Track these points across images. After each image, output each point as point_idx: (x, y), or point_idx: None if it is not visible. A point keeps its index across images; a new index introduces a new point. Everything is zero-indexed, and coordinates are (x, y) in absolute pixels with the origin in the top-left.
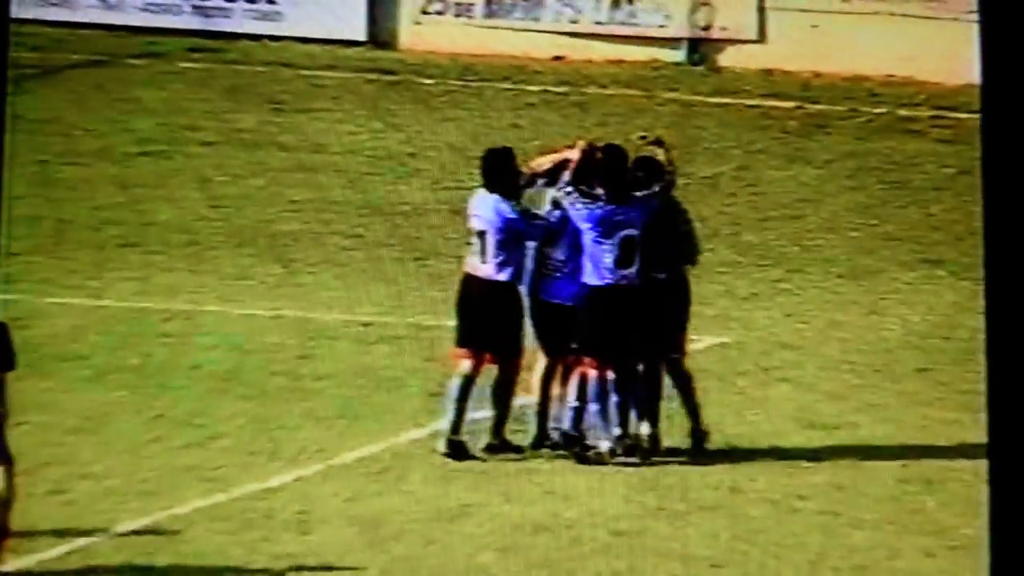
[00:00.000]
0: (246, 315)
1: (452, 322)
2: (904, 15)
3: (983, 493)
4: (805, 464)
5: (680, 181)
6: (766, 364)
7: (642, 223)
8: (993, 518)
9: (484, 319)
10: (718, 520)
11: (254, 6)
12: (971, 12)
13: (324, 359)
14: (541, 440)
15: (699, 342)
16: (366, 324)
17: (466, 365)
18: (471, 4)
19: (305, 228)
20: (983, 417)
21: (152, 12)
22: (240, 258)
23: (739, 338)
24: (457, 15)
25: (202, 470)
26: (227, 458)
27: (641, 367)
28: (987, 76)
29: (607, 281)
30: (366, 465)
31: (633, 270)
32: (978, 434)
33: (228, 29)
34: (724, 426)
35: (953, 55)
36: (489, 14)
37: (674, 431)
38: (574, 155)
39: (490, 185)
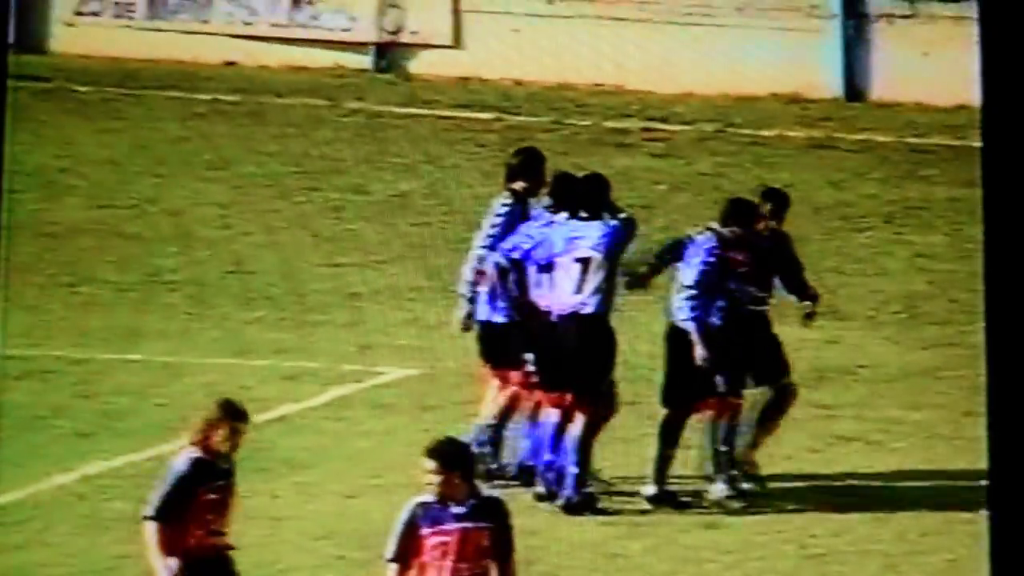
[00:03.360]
0: None
1: (107, 355)
2: (614, 18)
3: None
4: None
5: (364, 200)
6: (458, 398)
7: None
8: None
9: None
10: None
11: None
12: (688, 14)
13: None
14: None
15: (384, 375)
16: (8, 357)
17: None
18: (131, 3)
19: None
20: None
21: None
22: None
23: (428, 370)
24: (116, 15)
25: None
26: None
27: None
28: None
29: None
30: (6, 514)
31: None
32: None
33: None
34: (410, 466)
35: (667, 62)
36: (152, 15)
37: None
38: None
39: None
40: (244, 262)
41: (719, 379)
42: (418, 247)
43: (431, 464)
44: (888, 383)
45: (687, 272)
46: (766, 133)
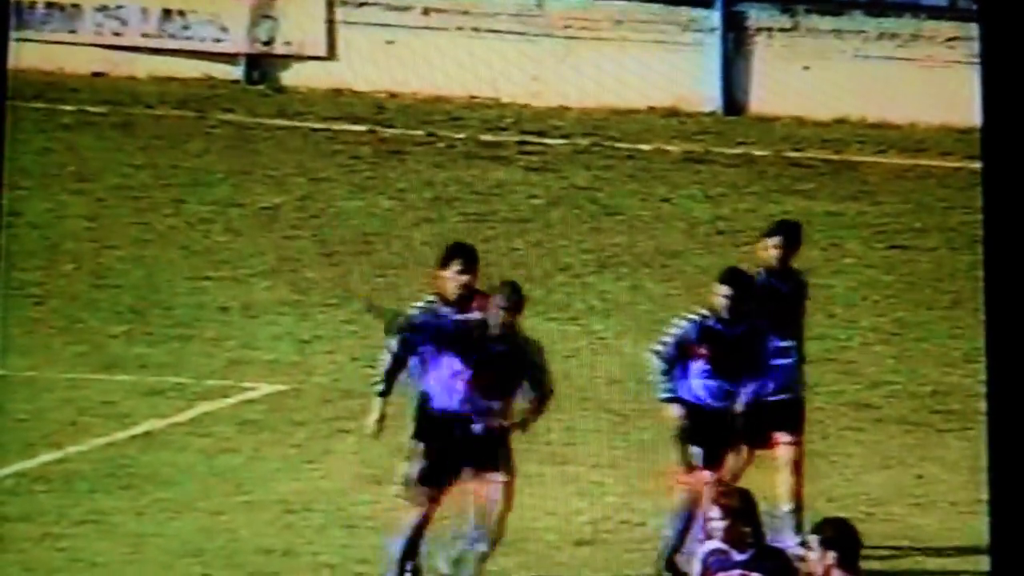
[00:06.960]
0: None
1: None
2: (490, 30)
3: None
4: (369, 525)
5: (234, 213)
6: (329, 414)
7: None
8: None
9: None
10: None
11: None
12: (566, 27)
13: None
14: None
15: (253, 390)
16: None
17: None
18: None
19: None
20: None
21: None
22: None
23: (298, 386)
24: None
25: None
26: None
27: None
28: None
29: None
30: None
31: None
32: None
33: None
34: (278, 482)
35: (544, 74)
36: (18, 25)
37: None
38: None
39: None
40: (110, 276)
41: None
42: (289, 260)
43: (717, 512)
44: None
45: None
46: (643, 147)
